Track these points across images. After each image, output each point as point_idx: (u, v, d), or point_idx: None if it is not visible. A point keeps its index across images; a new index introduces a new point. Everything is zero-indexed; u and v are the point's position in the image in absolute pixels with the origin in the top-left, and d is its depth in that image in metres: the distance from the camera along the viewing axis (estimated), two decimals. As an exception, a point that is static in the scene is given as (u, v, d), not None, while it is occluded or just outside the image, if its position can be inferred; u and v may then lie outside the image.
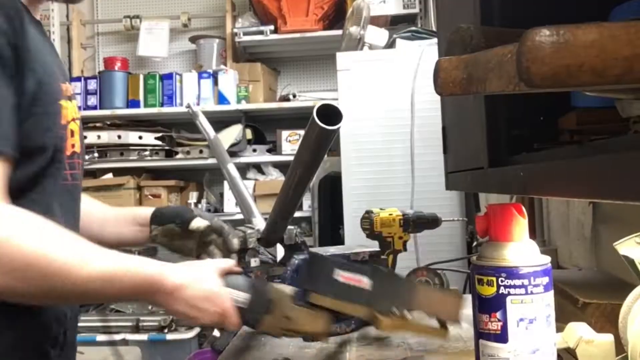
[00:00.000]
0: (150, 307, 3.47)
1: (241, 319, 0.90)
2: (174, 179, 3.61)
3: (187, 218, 1.12)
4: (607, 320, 0.93)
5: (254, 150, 3.42)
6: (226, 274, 0.92)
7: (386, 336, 1.25)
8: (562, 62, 0.37)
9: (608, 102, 0.62)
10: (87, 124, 3.59)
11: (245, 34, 3.43)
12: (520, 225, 0.78)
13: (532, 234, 1.49)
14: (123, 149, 3.47)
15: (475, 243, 2.21)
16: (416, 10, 3.10)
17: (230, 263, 0.96)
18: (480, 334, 0.79)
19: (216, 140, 1.51)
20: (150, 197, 3.53)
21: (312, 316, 0.92)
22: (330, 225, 2.85)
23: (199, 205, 3.47)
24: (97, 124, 3.50)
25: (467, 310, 0.89)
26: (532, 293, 0.75)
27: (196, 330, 3.23)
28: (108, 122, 3.51)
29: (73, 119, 0.95)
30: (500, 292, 0.76)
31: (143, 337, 3.08)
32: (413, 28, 2.74)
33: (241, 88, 3.42)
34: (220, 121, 3.35)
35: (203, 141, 3.33)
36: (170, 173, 3.70)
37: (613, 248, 0.83)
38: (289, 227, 1.27)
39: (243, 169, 3.43)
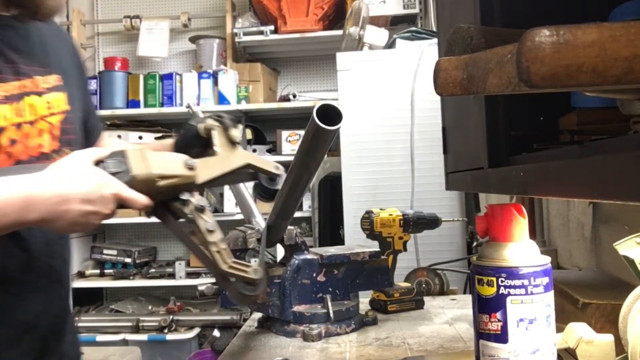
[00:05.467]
0: (150, 308, 3.47)
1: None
2: (174, 179, 3.60)
3: (194, 127, 1.06)
4: (607, 321, 0.93)
5: (254, 151, 3.43)
6: (99, 162, 0.87)
7: (386, 336, 1.25)
8: (562, 62, 0.37)
9: (608, 102, 0.62)
10: (87, 124, 3.60)
11: (245, 34, 3.43)
12: (520, 225, 0.78)
13: (532, 234, 1.49)
14: (123, 149, 3.47)
15: (475, 243, 2.22)
16: (416, 10, 3.10)
17: (99, 151, 0.89)
18: (481, 334, 0.79)
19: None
20: (150, 197, 3.53)
21: (168, 155, 0.92)
22: (330, 225, 2.85)
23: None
24: (97, 124, 3.49)
25: (467, 310, 0.89)
26: (532, 293, 0.75)
27: (196, 330, 3.23)
28: (108, 122, 3.50)
29: (42, 117, 0.94)
30: (500, 292, 0.76)
31: (143, 337, 3.08)
32: (413, 28, 2.74)
33: (241, 88, 3.42)
34: (221, 121, 3.35)
35: (203, 141, 3.32)
36: (170, 173, 3.69)
37: (613, 248, 0.83)
38: (289, 227, 1.27)
39: (243, 169, 3.42)
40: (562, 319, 0.89)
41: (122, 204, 0.86)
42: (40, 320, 0.97)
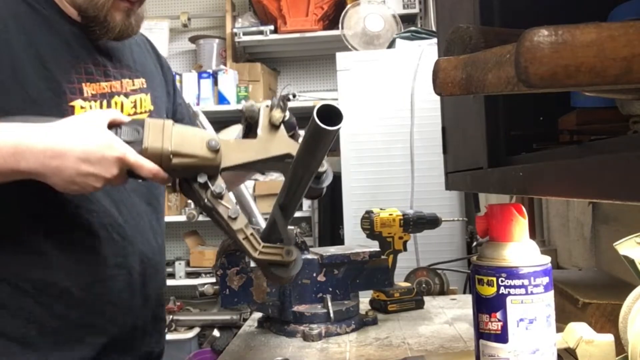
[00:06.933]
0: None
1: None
2: (174, 179, 3.60)
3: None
4: (607, 320, 0.93)
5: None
6: (115, 125, 0.84)
7: (386, 336, 1.25)
8: (561, 62, 0.37)
9: (608, 102, 0.62)
10: (87, 124, 3.60)
11: (245, 34, 3.43)
12: (520, 225, 0.78)
13: (532, 234, 1.49)
14: (123, 149, 3.47)
15: (475, 243, 2.22)
16: (416, 10, 3.10)
17: (116, 113, 0.87)
18: (481, 334, 0.79)
19: (216, 141, 1.50)
20: (150, 197, 3.53)
21: (192, 132, 0.86)
22: (330, 225, 2.85)
23: (199, 206, 3.47)
24: (97, 124, 3.49)
25: (467, 310, 0.89)
26: (532, 293, 0.75)
27: (196, 330, 3.23)
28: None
29: (128, 115, 0.98)
30: (501, 292, 0.76)
31: (143, 337, 3.08)
32: (413, 28, 2.74)
33: (241, 88, 3.42)
34: (220, 121, 3.33)
35: (203, 141, 3.32)
36: (170, 173, 3.70)
37: (613, 248, 0.83)
38: (289, 227, 1.27)
39: (243, 169, 3.42)
40: (562, 319, 0.89)
41: (128, 169, 0.82)
42: (136, 301, 1.04)
